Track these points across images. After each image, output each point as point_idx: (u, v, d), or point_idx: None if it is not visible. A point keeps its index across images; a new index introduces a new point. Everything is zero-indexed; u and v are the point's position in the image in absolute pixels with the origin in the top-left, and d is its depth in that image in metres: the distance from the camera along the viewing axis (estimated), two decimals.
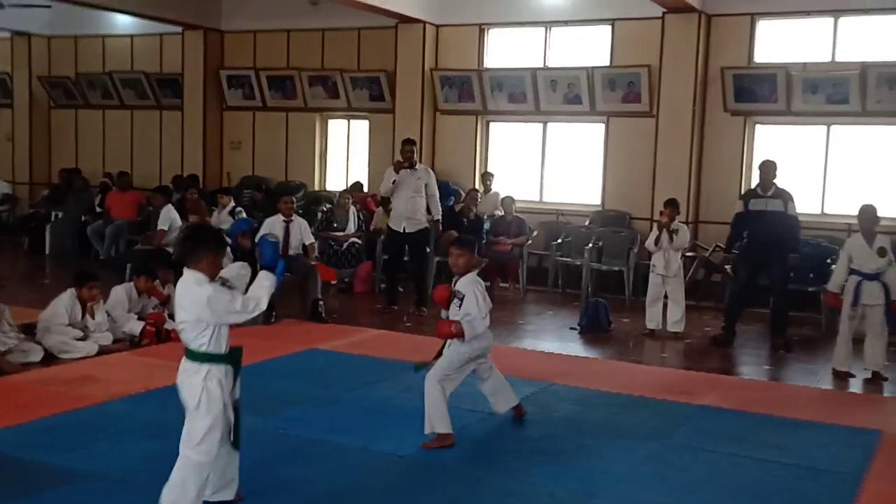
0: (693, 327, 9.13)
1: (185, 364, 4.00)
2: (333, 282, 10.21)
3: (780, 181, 8.51)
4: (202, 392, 3.92)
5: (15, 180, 15.84)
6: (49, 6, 13.52)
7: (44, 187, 15.39)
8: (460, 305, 5.31)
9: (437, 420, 5.21)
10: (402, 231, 9.49)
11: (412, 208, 9.44)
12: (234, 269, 4.21)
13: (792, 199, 8.36)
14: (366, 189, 12.76)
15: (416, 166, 9.49)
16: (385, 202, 10.21)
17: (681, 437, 5.58)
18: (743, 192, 9.77)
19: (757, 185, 8.56)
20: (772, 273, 8.44)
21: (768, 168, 8.44)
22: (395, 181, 9.35)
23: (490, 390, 5.68)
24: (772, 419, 6.05)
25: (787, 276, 8.55)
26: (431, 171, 9.91)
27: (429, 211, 9.63)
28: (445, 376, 5.31)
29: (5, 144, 16.32)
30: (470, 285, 5.33)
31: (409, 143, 9.57)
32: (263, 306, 4.02)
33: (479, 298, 5.31)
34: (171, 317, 7.99)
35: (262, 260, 4.25)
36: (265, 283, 4.05)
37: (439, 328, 5.38)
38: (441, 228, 9.92)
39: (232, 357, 4.03)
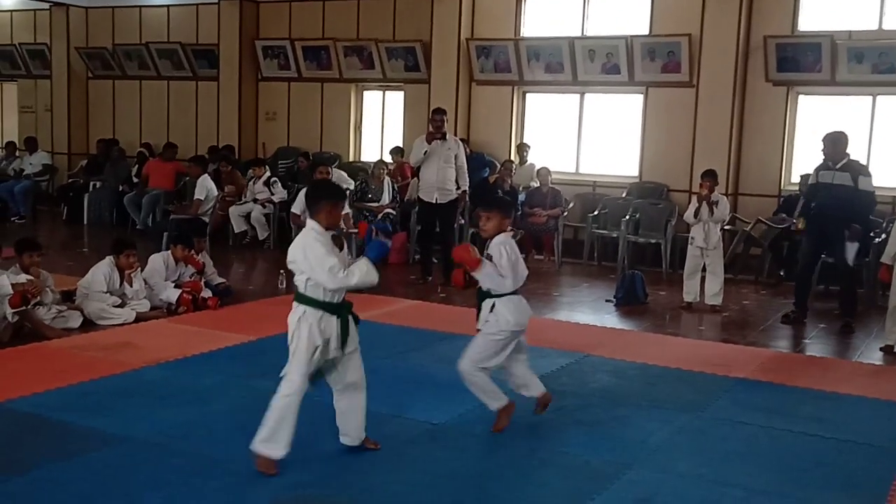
0: (731, 300, 9.01)
1: (293, 303, 4.30)
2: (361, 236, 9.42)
3: (815, 153, 8.22)
4: (295, 330, 4.23)
5: (54, 150, 16.00)
6: None
7: (82, 157, 15.53)
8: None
9: (489, 400, 5.01)
10: (434, 202, 9.45)
11: (443, 178, 9.38)
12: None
13: (865, 173, 7.90)
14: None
15: (447, 136, 9.41)
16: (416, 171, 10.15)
17: (717, 410, 5.51)
18: (786, 164, 9.58)
19: (827, 158, 8.07)
20: (835, 251, 8.14)
21: (831, 140, 7.99)
22: (426, 152, 9.29)
23: (519, 375, 5.18)
24: (811, 393, 5.95)
25: (852, 254, 8.04)
26: (461, 142, 9.83)
27: (457, 183, 9.54)
28: (481, 367, 4.95)
29: (44, 115, 16.48)
30: (498, 245, 4.89)
31: (439, 112, 9.50)
32: (353, 282, 4.13)
33: (505, 256, 4.83)
34: (208, 285, 8.09)
35: (367, 252, 4.28)
36: (363, 266, 4.16)
37: (457, 251, 4.96)
38: (470, 199, 9.84)
39: (333, 306, 4.23)
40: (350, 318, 4.35)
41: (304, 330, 4.20)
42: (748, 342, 7.48)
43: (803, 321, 8.25)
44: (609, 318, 8.35)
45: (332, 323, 4.24)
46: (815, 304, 8.56)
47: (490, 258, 4.86)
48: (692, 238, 8.76)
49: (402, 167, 12.21)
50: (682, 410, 5.45)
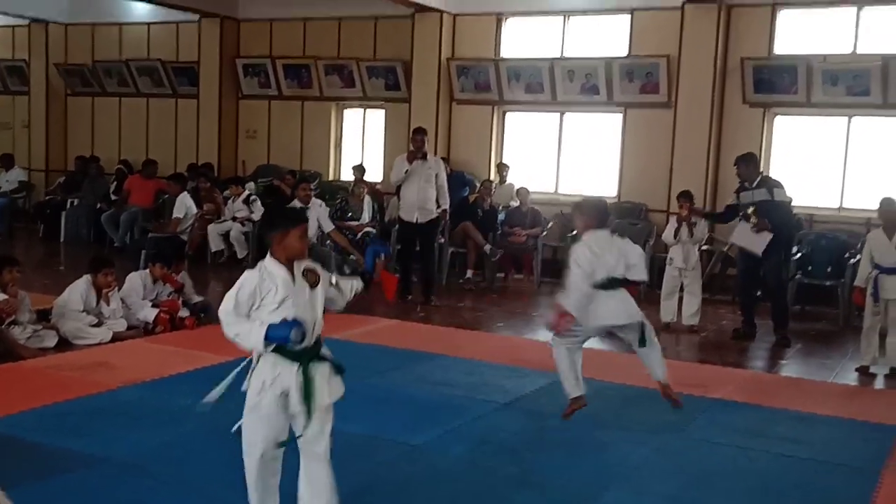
0: (709, 321, 9.06)
1: None
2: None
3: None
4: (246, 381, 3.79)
5: (31, 167, 15.88)
6: None
7: (60, 174, 15.42)
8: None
9: (567, 385, 5.34)
10: (414, 221, 9.46)
11: (423, 198, 9.40)
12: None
13: (779, 186, 8.40)
14: (377, 176, 12.72)
15: (427, 156, 9.44)
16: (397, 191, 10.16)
17: (695, 430, 5.53)
18: None
19: (743, 178, 8.51)
20: (763, 266, 8.39)
21: (740, 164, 8.49)
22: (406, 171, 9.31)
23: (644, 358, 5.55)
24: (788, 413, 5.99)
25: (779, 268, 8.44)
26: (442, 162, 9.87)
27: (438, 202, 9.56)
28: (568, 342, 5.38)
29: (22, 131, 16.35)
30: (575, 250, 5.27)
31: (420, 132, 9.54)
32: (229, 333, 3.59)
33: (578, 265, 5.18)
34: (185, 304, 8.04)
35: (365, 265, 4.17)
36: (256, 331, 3.53)
37: (554, 320, 5.27)
38: (450, 219, 9.88)
39: (289, 351, 3.59)
40: (319, 366, 3.64)
41: (256, 382, 3.58)
42: (725, 362, 7.53)
43: (753, 335, 8.44)
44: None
45: (291, 373, 3.56)
46: (792, 324, 8.61)
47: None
48: (671, 259, 8.82)
49: (373, 188, 12.20)
50: (660, 431, 5.47)
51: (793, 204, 8.69)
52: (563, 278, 5.32)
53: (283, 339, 3.47)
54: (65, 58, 15.92)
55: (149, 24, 15.18)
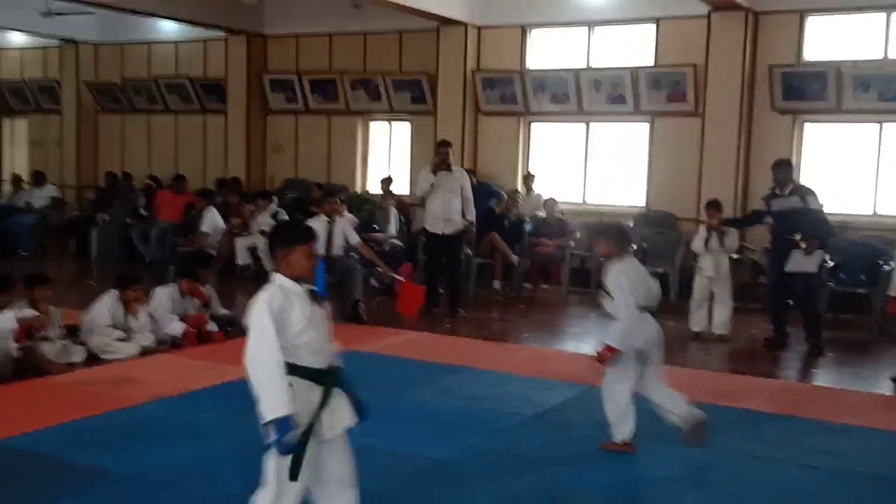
0: (739, 330, 8.94)
1: None
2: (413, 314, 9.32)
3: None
4: None
5: (63, 184, 16.10)
6: (94, 13, 13.73)
7: (91, 191, 15.63)
8: (610, 297, 5.06)
9: (614, 426, 5.13)
10: (440, 233, 9.43)
11: (449, 209, 9.37)
12: None
13: (812, 193, 8.27)
14: (404, 189, 12.73)
15: (453, 168, 9.43)
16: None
17: (724, 442, 5.42)
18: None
19: (774, 187, 8.39)
20: (795, 274, 8.25)
21: (780, 168, 8.38)
22: (432, 183, 9.30)
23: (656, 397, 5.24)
24: (820, 424, 5.87)
25: (810, 276, 8.29)
26: (466, 173, 9.85)
27: (463, 214, 9.52)
28: (618, 377, 5.10)
29: (54, 149, 16.62)
30: (615, 277, 5.03)
31: (444, 144, 9.53)
32: (255, 376, 3.27)
33: (624, 291, 4.96)
34: (213, 318, 8.07)
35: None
36: (276, 386, 3.25)
37: (601, 357, 5.05)
38: (476, 230, 9.84)
39: (315, 372, 3.44)
40: (338, 389, 3.49)
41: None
42: (756, 372, 7.41)
43: (784, 344, 8.32)
44: None
45: (317, 396, 3.40)
46: (824, 333, 8.47)
47: (606, 290, 5.03)
48: (700, 268, 8.72)
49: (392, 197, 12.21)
50: None
51: (825, 211, 8.54)
52: (596, 291, 5.18)
53: (282, 435, 3.22)
54: (95, 76, 16.16)
55: (177, 42, 15.37)
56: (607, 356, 5.00)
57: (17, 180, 15.48)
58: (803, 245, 7.99)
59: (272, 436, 3.22)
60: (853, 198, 10.72)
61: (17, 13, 13.64)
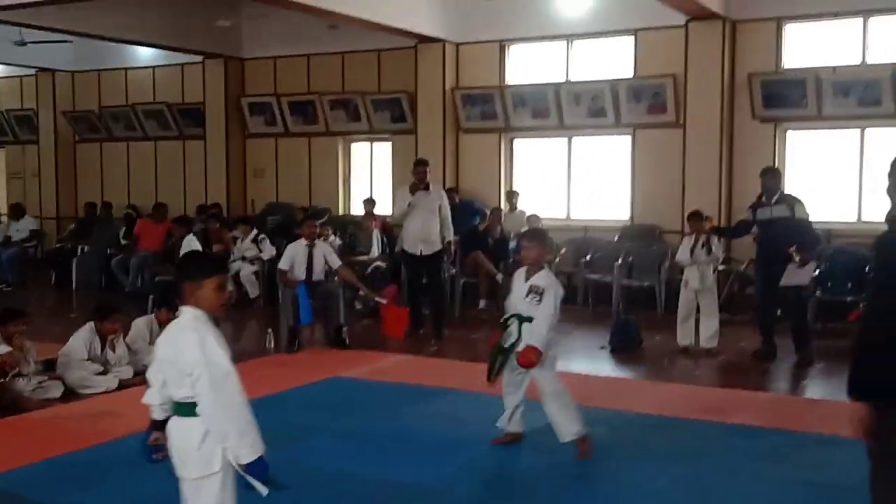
0: (728, 342, 8.84)
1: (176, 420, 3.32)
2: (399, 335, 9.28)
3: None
4: (198, 458, 3.27)
5: (42, 215, 15.93)
6: (70, 41, 13.63)
7: (70, 221, 15.46)
8: (539, 301, 5.21)
9: (571, 421, 5.28)
10: (419, 254, 9.31)
11: (427, 230, 9.25)
12: None
13: (799, 203, 8.17)
14: (387, 209, 12.63)
15: (430, 187, 9.33)
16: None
17: (714, 458, 5.33)
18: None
19: (761, 194, 8.32)
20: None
21: (767, 175, 8.32)
22: (409, 203, 9.19)
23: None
24: (811, 437, 5.77)
25: (801, 287, 8.22)
26: (444, 193, 9.76)
27: (442, 233, 9.41)
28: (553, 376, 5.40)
29: (32, 180, 16.45)
30: (552, 284, 5.30)
31: (421, 163, 9.43)
32: (228, 424, 3.17)
33: (556, 300, 5.25)
34: None
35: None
36: (252, 433, 3.18)
37: (525, 356, 5.14)
38: (460, 249, 9.74)
39: None
40: None
41: (218, 453, 3.18)
42: (746, 385, 7.32)
43: (773, 355, 8.21)
44: (604, 366, 8.18)
45: None
46: (813, 342, 8.38)
47: (540, 291, 5.21)
48: (686, 280, 8.62)
49: (374, 218, 12.11)
50: (678, 460, 5.27)
51: (811, 219, 8.47)
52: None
53: (266, 469, 3.19)
54: (72, 105, 16.04)
55: (153, 67, 15.26)
56: (533, 358, 5.10)
57: None
58: (797, 258, 7.88)
59: (256, 473, 3.16)
60: (838, 205, 10.68)
61: None
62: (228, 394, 3.14)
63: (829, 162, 10.84)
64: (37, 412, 6.51)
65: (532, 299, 5.24)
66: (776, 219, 8.10)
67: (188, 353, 3.15)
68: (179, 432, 3.23)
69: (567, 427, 5.26)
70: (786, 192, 8.47)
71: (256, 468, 3.15)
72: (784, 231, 8.04)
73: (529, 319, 5.23)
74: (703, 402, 6.68)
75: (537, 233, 5.82)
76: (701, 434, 5.85)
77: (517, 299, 5.35)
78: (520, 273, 5.46)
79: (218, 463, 3.19)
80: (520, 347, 5.19)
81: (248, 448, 3.13)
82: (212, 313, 3.29)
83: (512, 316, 5.34)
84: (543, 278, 5.30)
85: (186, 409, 3.20)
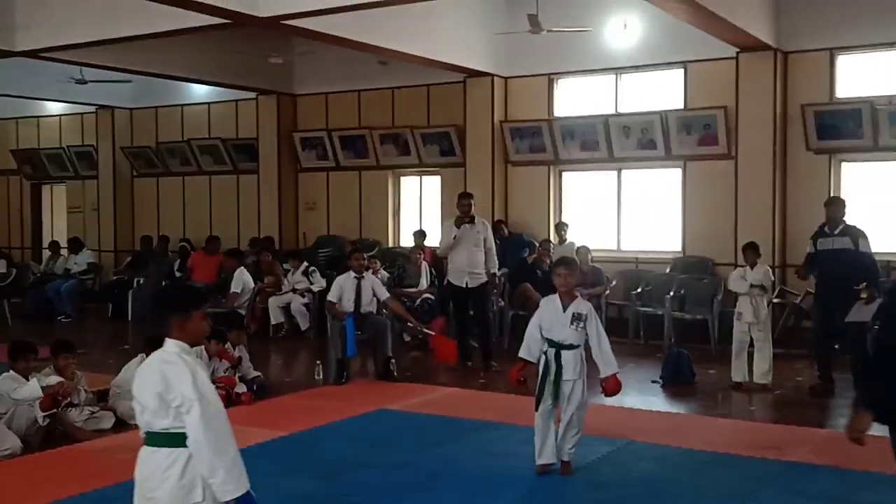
0: (783, 377, 8.63)
1: (147, 449, 3.36)
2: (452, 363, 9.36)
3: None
4: (172, 488, 3.28)
5: (101, 248, 16.28)
6: (129, 81, 13.99)
7: (127, 255, 15.76)
8: (583, 327, 5.41)
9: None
10: (464, 286, 9.31)
11: (473, 262, 9.27)
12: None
13: (864, 236, 7.96)
14: (436, 242, 12.63)
15: (475, 220, 9.34)
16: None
17: (769, 499, 5.18)
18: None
19: (824, 224, 8.13)
20: (840, 318, 7.91)
21: (832, 205, 8.19)
22: (455, 236, 9.21)
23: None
24: (872, 476, 5.56)
25: (864, 323, 7.95)
26: (489, 225, 9.76)
27: (487, 265, 9.40)
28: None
29: (91, 214, 16.84)
30: (591, 309, 5.54)
31: (466, 196, 9.49)
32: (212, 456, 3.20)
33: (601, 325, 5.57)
34: (242, 379, 7.99)
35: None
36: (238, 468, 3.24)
37: (613, 386, 5.47)
38: (509, 281, 9.70)
39: None
40: None
41: (199, 485, 3.20)
42: (801, 422, 7.12)
43: (831, 391, 7.97)
44: (655, 400, 8.04)
45: None
46: None
47: (584, 318, 5.42)
48: (739, 313, 8.45)
49: (422, 251, 12.11)
50: (731, 500, 5.15)
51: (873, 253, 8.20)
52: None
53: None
54: (130, 141, 16.43)
55: (209, 103, 15.57)
56: (619, 387, 5.48)
57: (54, 247, 15.67)
58: (864, 294, 7.63)
59: None
60: (894, 237, 10.41)
61: (52, 82, 13.91)
62: (218, 429, 3.17)
63: (887, 193, 10.59)
64: (88, 443, 6.59)
65: (577, 326, 5.34)
66: (838, 250, 7.90)
67: (179, 386, 3.17)
68: (154, 463, 3.23)
69: (564, 450, 5.50)
70: (851, 224, 8.19)
71: (243, 502, 3.17)
72: (845, 264, 7.82)
73: (570, 347, 5.34)
74: (757, 439, 6.52)
75: (571, 260, 5.92)
76: (754, 472, 5.69)
77: (558, 327, 5.40)
78: (552, 301, 5.52)
79: (199, 493, 3.19)
80: (569, 375, 5.40)
81: (236, 483, 3.16)
82: (198, 342, 3.40)
83: (549, 345, 5.43)
84: (583, 305, 5.47)
85: (165, 439, 3.21)
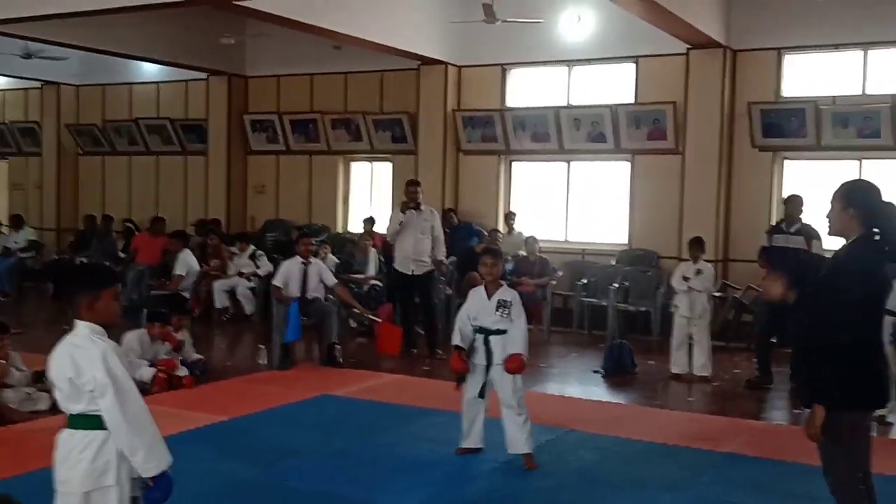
0: (722, 370, 8.80)
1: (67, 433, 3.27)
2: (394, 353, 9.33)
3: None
4: (85, 473, 3.21)
5: (43, 227, 15.97)
6: (66, 58, 13.69)
7: (71, 233, 15.49)
8: (509, 313, 5.53)
9: (531, 436, 5.55)
10: (409, 273, 9.33)
11: (419, 249, 9.29)
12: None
13: (818, 237, 8.06)
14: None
15: (422, 207, 9.35)
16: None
17: (703, 488, 5.28)
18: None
19: (781, 220, 8.28)
20: (789, 316, 8.07)
21: (791, 202, 8.29)
22: (401, 222, 9.21)
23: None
24: (801, 467, 5.68)
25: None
26: (437, 213, 9.77)
27: (434, 253, 9.42)
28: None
29: (34, 192, 16.51)
30: (516, 296, 5.64)
31: (413, 183, 9.51)
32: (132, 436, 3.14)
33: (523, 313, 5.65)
34: (184, 363, 7.90)
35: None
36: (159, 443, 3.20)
37: (514, 363, 5.45)
38: (457, 270, 9.72)
39: None
40: None
41: (113, 467, 3.15)
42: (737, 414, 7.26)
43: (768, 386, 8.13)
44: (596, 390, 8.15)
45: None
46: None
47: (509, 304, 5.53)
48: (675, 306, 8.61)
49: (371, 237, 12.10)
50: (666, 490, 5.22)
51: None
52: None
53: (169, 484, 3.21)
54: (76, 118, 16.10)
55: (158, 83, 15.33)
56: (521, 364, 5.47)
57: None
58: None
59: (161, 487, 3.17)
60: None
61: None
62: (134, 410, 3.13)
63: (827, 192, 10.78)
64: (23, 424, 6.47)
65: (503, 313, 5.51)
66: (791, 249, 8.01)
67: (91, 370, 3.11)
68: (70, 445, 3.19)
69: (519, 441, 5.51)
70: (808, 223, 8.24)
71: (162, 482, 3.16)
72: (791, 262, 7.88)
73: (498, 332, 5.50)
74: (694, 430, 6.64)
75: (497, 251, 6.10)
76: (690, 462, 5.80)
77: (484, 314, 5.57)
78: (478, 291, 5.69)
79: (112, 477, 3.16)
80: (498, 359, 5.49)
81: (157, 460, 3.15)
82: (109, 323, 3.27)
83: (477, 332, 5.56)
84: (508, 292, 5.63)
85: (82, 422, 3.17)
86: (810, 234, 8.08)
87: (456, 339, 5.64)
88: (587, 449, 6.06)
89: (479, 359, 5.55)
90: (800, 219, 8.22)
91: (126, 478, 3.18)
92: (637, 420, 6.98)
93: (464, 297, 10.71)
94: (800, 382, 3.81)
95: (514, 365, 5.44)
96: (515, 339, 5.50)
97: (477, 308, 5.63)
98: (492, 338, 5.54)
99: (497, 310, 5.54)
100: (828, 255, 7.99)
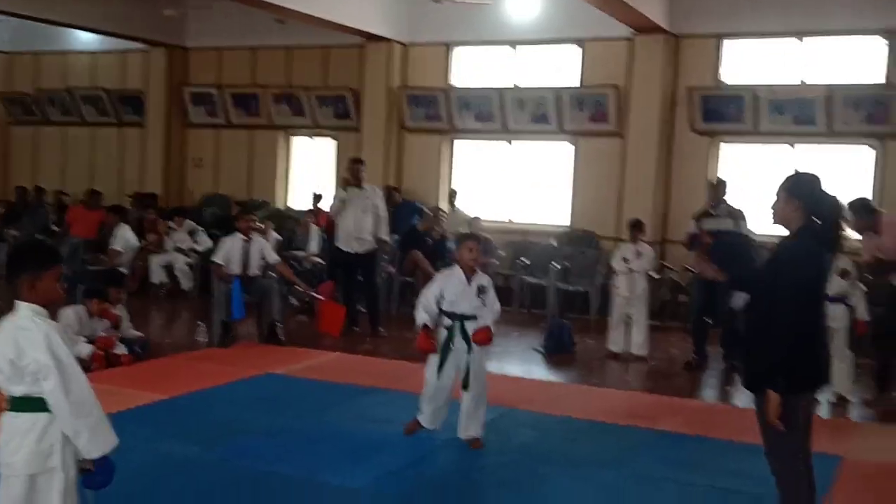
0: (659, 349, 8.99)
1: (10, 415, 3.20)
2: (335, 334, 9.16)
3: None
4: (30, 454, 3.17)
5: None
6: (5, 20, 13.27)
7: (1, 205, 15.04)
8: (484, 297, 5.54)
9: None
10: (352, 251, 9.31)
11: (360, 227, 9.26)
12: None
13: (744, 218, 8.29)
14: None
15: (365, 185, 9.32)
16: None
17: (640, 465, 5.41)
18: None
19: (708, 205, 8.46)
20: (719, 295, 8.28)
21: (720, 186, 8.45)
22: (343, 200, 9.17)
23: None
24: (734, 445, 5.88)
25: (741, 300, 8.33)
26: (380, 191, 9.75)
27: (377, 232, 9.41)
28: None
29: None
30: (489, 280, 5.69)
31: (357, 161, 9.47)
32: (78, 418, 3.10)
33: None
34: (122, 340, 7.77)
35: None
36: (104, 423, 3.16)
37: (482, 334, 5.47)
38: (399, 248, 9.72)
39: None
40: None
41: (58, 449, 3.12)
42: (673, 392, 7.44)
43: (705, 367, 8.32)
44: (536, 369, 8.26)
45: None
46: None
47: (485, 289, 5.57)
48: (616, 287, 8.75)
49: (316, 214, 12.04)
50: (604, 467, 5.34)
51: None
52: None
53: (111, 468, 3.18)
54: (6, 86, 15.61)
55: (95, 52, 14.95)
56: (489, 336, 5.51)
57: None
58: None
59: (103, 470, 3.15)
60: (767, 217, 10.89)
61: None
62: (78, 392, 3.08)
63: (761, 175, 11.07)
64: None
65: (484, 299, 5.53)
66: (722, 232, 8.17)
67: (33, 352, 3.05)
68: (14, 428, 3.14)
69: (475, 427, 5.57)
70: (733, 205, 8.43)
71: (103, 467, 3.15)
72: (724, 244, 8.08)
73: (472, 318, 5.48)
74: (630, 408, 6.78)
75: (477, 236, 6.15)
76: (628, 440, 5.93)
77: (463, 300, 5.49)
78: (454, 274, 5.56)
79: (57, 459, 3.13)
80: (472, 329, 5.49)
81: (102, 442, 3.12)
82: (52, 303, 3.22)
83: (453, 317, 5.49)
84: (483, 277, 5.65)
85: (24, 404, 3.12)
86: (737, 216, 8.29)
87: (423, 318, 5.52)
88: (528, 427, 6.15)
89: (458, 343, 5.49)
90: (725, 201, 8.40)
91: (72, 460, 3.14)
92: (576, 398, 7.10)
93: (406, 275, 10.86)
94: (746, 370, 3.95)
95: (482, 335, 5.43)
96: (487, 318, 5.52)
97: (455, 293, 5.50)
98: (467, 323, 5.49)
99: (479, 295, 5.51)
100: (754, 236, 8.41)
